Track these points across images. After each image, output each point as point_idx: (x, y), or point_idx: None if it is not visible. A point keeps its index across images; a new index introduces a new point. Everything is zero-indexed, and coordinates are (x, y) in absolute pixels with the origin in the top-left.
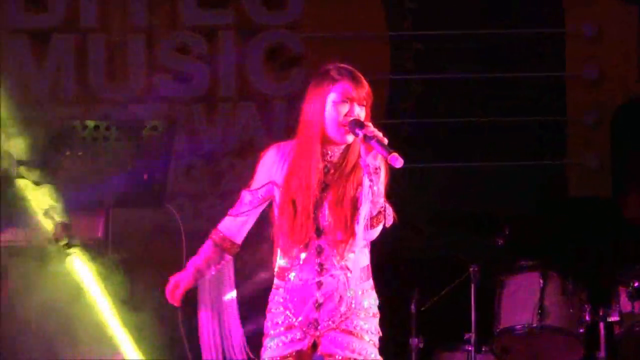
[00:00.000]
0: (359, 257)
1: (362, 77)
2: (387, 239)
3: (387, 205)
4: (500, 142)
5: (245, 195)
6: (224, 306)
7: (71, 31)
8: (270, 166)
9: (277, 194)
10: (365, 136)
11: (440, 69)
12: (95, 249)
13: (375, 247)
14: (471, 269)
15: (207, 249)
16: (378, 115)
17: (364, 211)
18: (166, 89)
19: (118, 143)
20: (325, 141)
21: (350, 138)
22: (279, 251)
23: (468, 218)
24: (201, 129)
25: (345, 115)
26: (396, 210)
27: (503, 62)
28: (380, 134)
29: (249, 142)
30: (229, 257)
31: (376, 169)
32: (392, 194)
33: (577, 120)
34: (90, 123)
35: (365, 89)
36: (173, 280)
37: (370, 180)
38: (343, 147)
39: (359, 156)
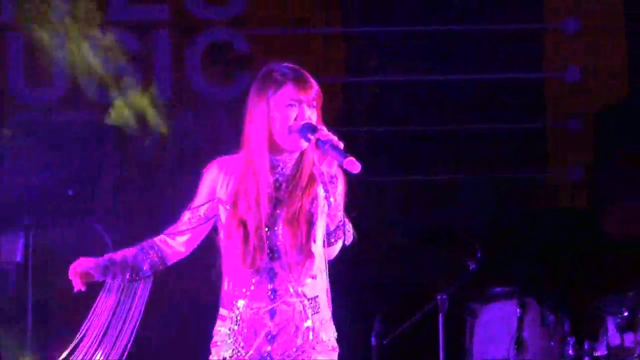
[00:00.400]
0: (317, 282)
1: (309, 76)
2: (344, 260)
3: (347, 220)
4: (472, 151)
5: (185, 215)
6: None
7: None
8: (214, 183)
9: (222, 214)
10: (318, 140)
11: (404, 69)
12: (13, 274)
13: (332, 271)
14: (439, 297)
15: (128, 250)
16: (330, 122)
17: (321, 227)
18: (93, 94)
19: (39, 154)
20: (275, 151)
21: (303, 144)
22: (224, 277)
23: (434, 237)
24: (134, 138)
25: (295, 119)
26: (354, 226)
27: (476, 61)
28: (335, 138)
29: (188, 154)
30: (148, 272)
31: (332, 177)
32: (350, 208)
33: (558, 127)
34: (8, 132)
35: (314, 88)
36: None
37: (326, 191)
38: (295, 156)
39: (314, 165)
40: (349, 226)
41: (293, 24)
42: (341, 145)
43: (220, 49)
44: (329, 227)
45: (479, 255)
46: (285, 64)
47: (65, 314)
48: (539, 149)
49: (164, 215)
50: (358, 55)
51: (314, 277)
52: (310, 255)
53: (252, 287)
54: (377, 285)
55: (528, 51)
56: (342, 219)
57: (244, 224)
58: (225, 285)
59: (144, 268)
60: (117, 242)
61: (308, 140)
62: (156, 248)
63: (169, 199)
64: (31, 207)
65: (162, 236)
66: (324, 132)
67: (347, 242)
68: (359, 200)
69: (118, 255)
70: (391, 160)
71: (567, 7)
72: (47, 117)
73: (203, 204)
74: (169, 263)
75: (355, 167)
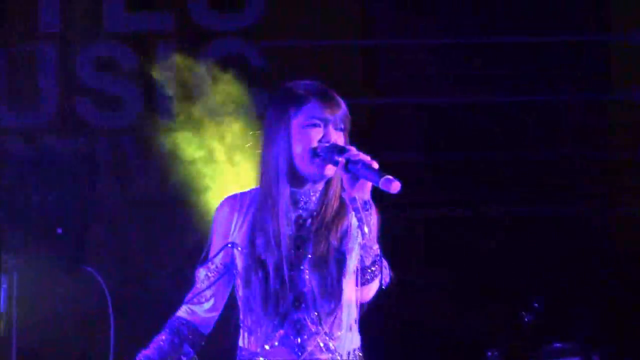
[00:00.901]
0: (353, 335)
1: (336, 95)
2: (379, 306)
3: (383, 258)
4: (526, 180)
5: (200, 273)
6: None
7: None
8: (227, 224)
9: (238, 259)
10: (348, 162)
11: (439, 89)
12: None
13: (365, 318)
14: (489, 353)
15: (160, 339)
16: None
17: (353, 261)
18: (86, 116)
19: (23, 187)
20: (297, 183)
21: (329, 171)
22: (242, 331)
23: (483, 286)
24: (133, 168)
25: (320, 141)
26: (389, 265)
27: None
28: (367, 157)
29: (197, 187)
30: (191, 353)
31: (365, 203)
32: (384, 245)
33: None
34: None
35: (341, 108)
36: None
37: (359, 220)
38: (320, 188)
39: (342, 197)
40: (385, 263)
41: (317, 35)
42: (375, 164)
43: (230, 63)
44: (364, 262)
45: (536, 304)
46: (308, 80)
47: None
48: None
49: (164, 256)
50: (388, 70)
51: (348, 329)
52: (343, 302)
53: (276, 343)
54: (418, 338)
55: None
56: (379, 252)
57: (263, 265)
58: (244, 340)
59: (186, 351)
60: (112, 287)
61: (336, 163)
62: (186, 323)
63: (169, 238)
64: (15, 247)
65: (185, 307)
66: (354, 151)
67: (384, 283)
68: (394, 236)
69: (152, 351)
70: (431, 189)
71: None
72: (32, 144)
73: (218, 253)
74: (207, 331)
75: (394, 186)
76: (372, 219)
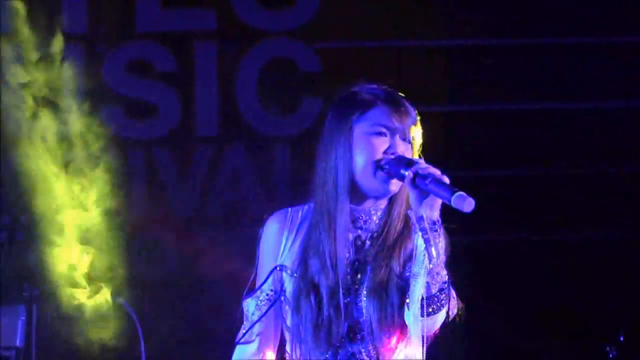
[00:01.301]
0: None
1: (406, 101)
2: (445, 338)
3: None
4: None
5: (249, 305)
6: None
7: None
8: (275, 245)
9: (287, 283)
10: (416, 175)
11: (519, 95)
12: None
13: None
14: None
15: None
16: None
17: (418, 288)
18: (116, 125)
19: None
20: (356, 199)
21: (394, 186)
22: None
23: (563, 317)
24: (169, 185)
25: (385, 152)
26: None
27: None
28: (437, 171)
29: (236, 203)
30: None
31: (434, 223)
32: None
33: None
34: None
35: (411, 115)
36: None
37: (426, 241)
38: (382, 206)
39: (407, 216)
40: (454, 293)
41: (380, 35)
42: (446, 179)
43: (279, 66)
44: (430, 290)
45: (622, 339)
46: (375, 85)
47: None
48: None
49: (201, 284)
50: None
51: None
52: (404, 335)
53: None
54: None
55: None
56: (447, 279)
57: (316, 290)
58: None
59: None
60: (143, 319)
61: (402, 177)
62: None
63: (209, 263)
64: (34, 273)
65: (240, 349)
66: (423, 164)
67: (452, 314)
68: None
69: None
70: (510, 212)
71: None
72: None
73: (267, 279)
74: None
75: (468, 204)
76: (441, 241)
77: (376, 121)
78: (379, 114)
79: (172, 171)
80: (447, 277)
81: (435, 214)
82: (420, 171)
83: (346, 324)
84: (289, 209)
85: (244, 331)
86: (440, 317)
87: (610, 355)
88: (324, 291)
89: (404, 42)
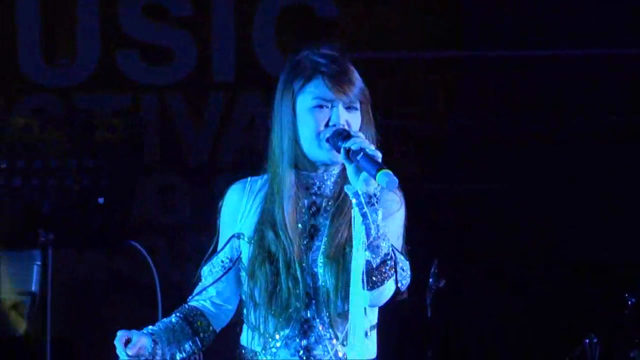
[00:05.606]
0: (369, 343)
1: (350, 67)
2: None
3: (401, 257)
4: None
5: (203, 271)
6: None
7: None
8: (233, 213)
9: (245, 250)
10: (349, 151)
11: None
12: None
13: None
14: (587, 341)
15: (170, 321)
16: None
17: (359, 262)
18: (130, 72)
19: (60, 149)
20: (309, 165)
21: (339, 157)
22: (245, 328)
23: (582, 269)
24: (183, 132)
25: (326, 125)
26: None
27: None
28: (371, 146)
29: (254, 153)
30: (199, 344)
31: (370, 197)
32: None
33: None
34: (19, 120)
35: (355, 85)
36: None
37: (363, 216)
38: (335, 172)
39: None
40: (405, 264)
41: None
42: (378, 155)
43: (298, 13)
44: (371, 264)
45: None
46: (327, 46)
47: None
48: None
49: (214, 230)
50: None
51: (364, 336)
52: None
53: (279, 344)
54: (508, 326)
55: None
56: (390, 252)
57: (270, 257)
58: (244, 338)
59: (197, 342)
60: (162, 264)
61: (339, 150)
62: (199, 314)
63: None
64: (49, 219)
65: (187, 306)
66: (359, 139)
67: (402, 286)
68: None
69: (161, 328)
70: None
71: None
72: (68, 102)
73: (224, 247)
74: (216, 328)
75: (391, 182)
76: (380, 214)
77: (316, 94)
78: (319, 86)
79: (187, 117)
80: (389, 249)
81: (371, 188)
82: (352, 146)
83: (302, 291)
84: (249, 178)
85: (193, 294)
86: (387, 290)
87: (629, 302)
88: (280, 258)
89: None
